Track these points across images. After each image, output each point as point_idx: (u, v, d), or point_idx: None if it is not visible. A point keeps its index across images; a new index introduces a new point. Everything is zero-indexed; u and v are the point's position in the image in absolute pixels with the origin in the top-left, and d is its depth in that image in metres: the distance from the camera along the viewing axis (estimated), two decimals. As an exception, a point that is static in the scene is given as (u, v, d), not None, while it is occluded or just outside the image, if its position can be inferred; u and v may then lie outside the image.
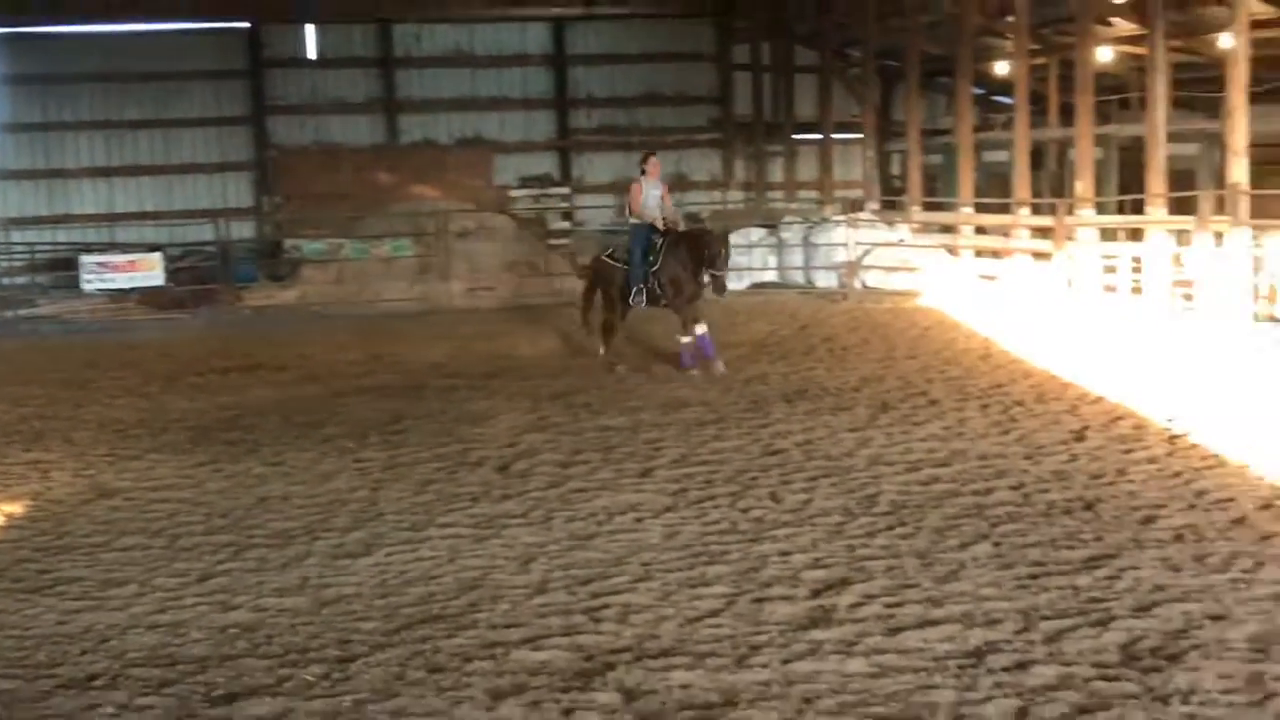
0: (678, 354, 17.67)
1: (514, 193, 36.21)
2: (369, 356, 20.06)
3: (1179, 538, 9.34)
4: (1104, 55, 26.64)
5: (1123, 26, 26.75)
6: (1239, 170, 20.78)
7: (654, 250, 17.18)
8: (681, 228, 17.92)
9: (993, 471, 11.49)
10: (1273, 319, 20.05)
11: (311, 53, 37.39)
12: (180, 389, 17.63)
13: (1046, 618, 7.77)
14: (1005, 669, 7.01)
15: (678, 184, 37.45)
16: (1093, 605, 7.96)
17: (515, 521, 10.41)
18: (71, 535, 10.52)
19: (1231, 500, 10.25)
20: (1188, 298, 21.47)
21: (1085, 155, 24.94)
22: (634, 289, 17.34)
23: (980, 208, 28.22)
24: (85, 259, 29.52)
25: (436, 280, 28.37)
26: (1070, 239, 24.43)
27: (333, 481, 12.03)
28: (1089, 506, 10.26)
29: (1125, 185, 26.17)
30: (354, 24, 36.80)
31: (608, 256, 18.22)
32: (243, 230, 34.74)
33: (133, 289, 28.91)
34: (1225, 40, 21.82)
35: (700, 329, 17.13)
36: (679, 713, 6.57)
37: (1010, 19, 26.79)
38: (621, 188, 36.81)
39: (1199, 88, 27.39)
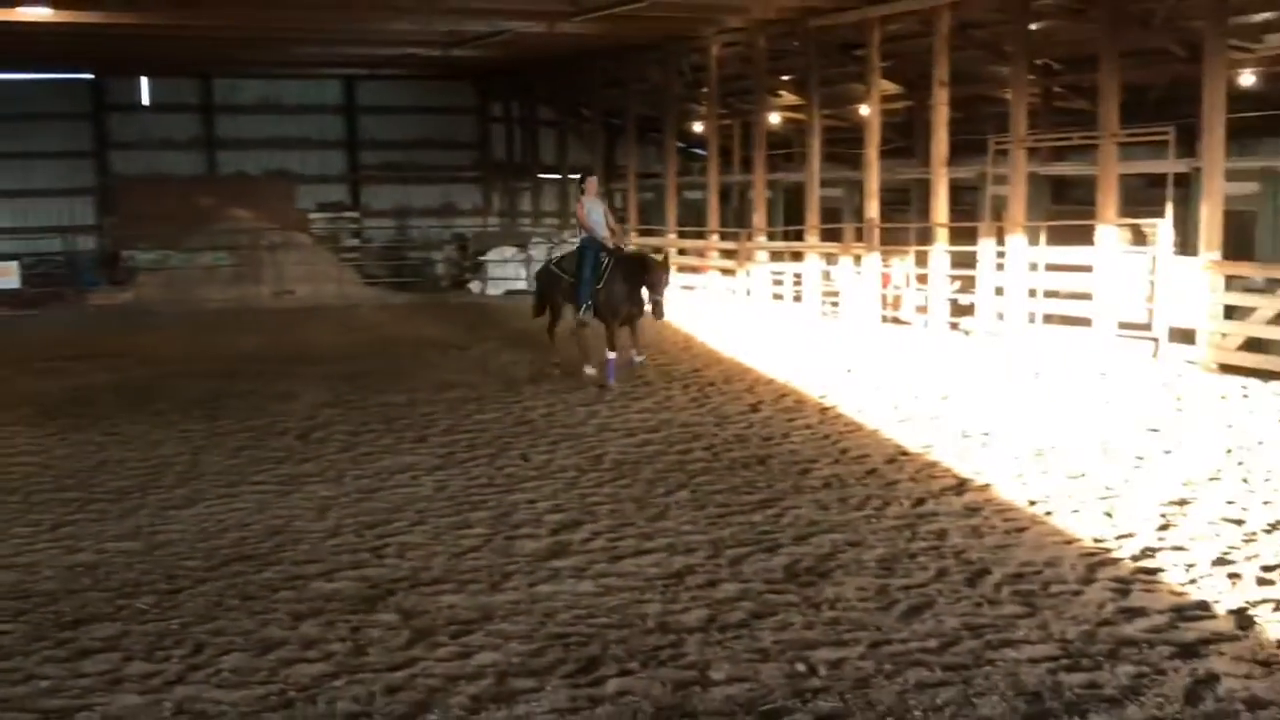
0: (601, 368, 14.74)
1: (313, 215, 35.27)
2: (192, 346, 19.32)
3: (828, 484, 9.64)
4: (774, 119, 27.31)
5: (788, 98, 27.48)
6: (872, 208, 21.54)
7: (600, 269, 14.70)
8: (627, 247, 15.57)
9: (691, 435, 11.68)
10: (896, 321, 20.83)
11: (145, 100, 36.18)
12: (33, 373, 16.71)
13: (730, 546, 7.95)
14: (699, 586, 7.16)
15: (446, 211, 37.25)
16: (765, 536, 8.18)
17: (313, 479, 10.18)
18: (-61, 494, 9.95)
19: (867, 456, 10.63)
20: (834, 305, 22.15)
21: (760, 196, 25.52)
22: (583, 304, 14.83)
23: (682, 234, 28.62)
24: (-47, 266, 27.97)
25: (249, 285, 27.53)
26: (749, 259, 24.99)
27: (161, 448, 11.57)
28: (762, 461, 10.52)
29: (789, 219, 26.83)
30: (181, 77, 35.62)
31: (555, 266, 15.82)
32: (87, 243, 33.27)
33: (-6, 291, 27.58)
34: (863, 110, 22.56)
35: (612, 355, 14.58)
36: (446, 627, 6.54)
37: (704, 90, 27.21)
38: (401, 213, 36.72)
39: (844, 145, 28.26)
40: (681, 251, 28.41)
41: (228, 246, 28.89)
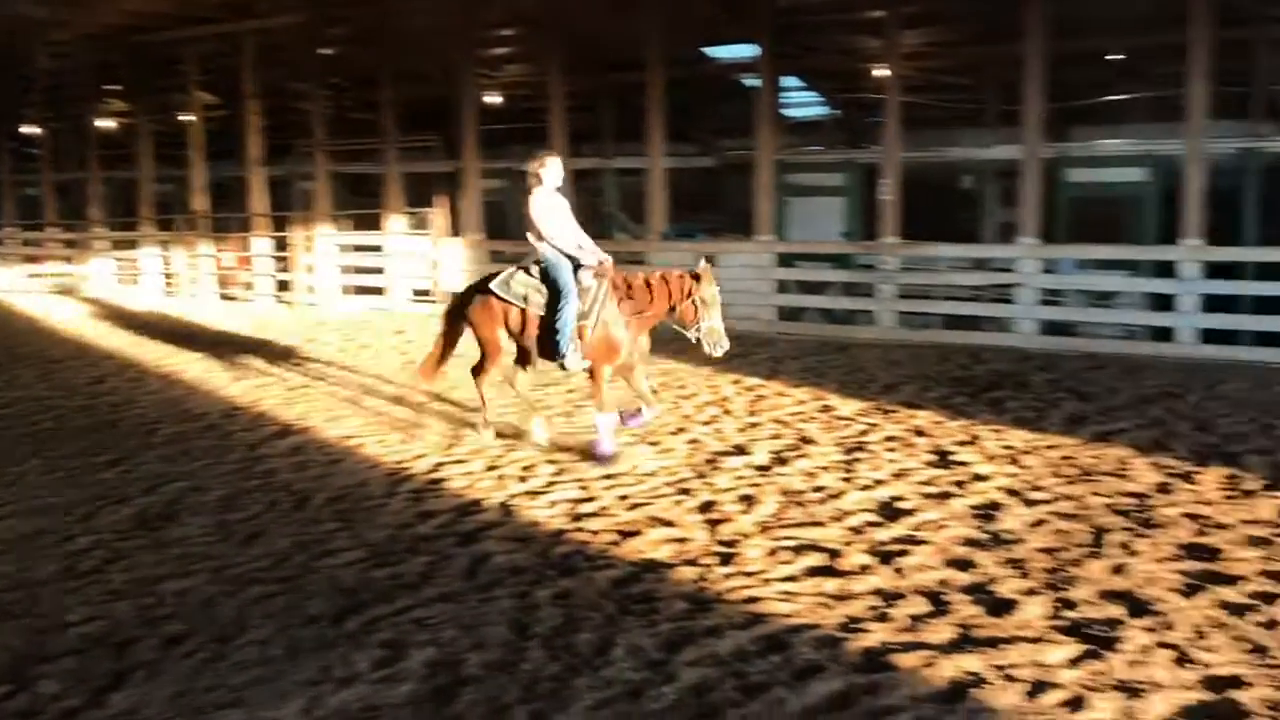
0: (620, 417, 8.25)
1: None
2: None
3: (172, 441, 9.06)
4: (110, 123, 25.07)
5: (118, 105, 25.20)
6: (199, 202, 20.56)
7: (583, 294, 7.99)
8: (608, 264, 8.05)
9: (40, 408, 10.41)
10: (229, 297, 20.03)
11: None
12: None
13: (81, 504, 7.23)
14: (53, 544, 6.44)
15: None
16: (114, 491, 7.54)
17: None
18: None
19: (206, 413, 10.09)
20: (172, 286, 20.96)
21: (95, 191, 23.34)
22: (568, 348, 7.93)
23: (25, 227, 25.58)
24: None
25: None
26: (90, 250, 22.92)
27: None
28: (112, 425, 9.67)
29: (128, 212, 24.62)
30: None
31: (498, 286, 8.34)
32: None
33: None
34: (187, 117, 21.33)
35: (607, 418, 8.02)
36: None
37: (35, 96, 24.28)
38: None
39: (174, 147, 26.32)
40: (25, 243, 25.38)
41: None
